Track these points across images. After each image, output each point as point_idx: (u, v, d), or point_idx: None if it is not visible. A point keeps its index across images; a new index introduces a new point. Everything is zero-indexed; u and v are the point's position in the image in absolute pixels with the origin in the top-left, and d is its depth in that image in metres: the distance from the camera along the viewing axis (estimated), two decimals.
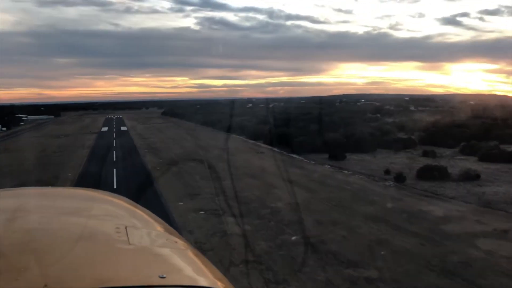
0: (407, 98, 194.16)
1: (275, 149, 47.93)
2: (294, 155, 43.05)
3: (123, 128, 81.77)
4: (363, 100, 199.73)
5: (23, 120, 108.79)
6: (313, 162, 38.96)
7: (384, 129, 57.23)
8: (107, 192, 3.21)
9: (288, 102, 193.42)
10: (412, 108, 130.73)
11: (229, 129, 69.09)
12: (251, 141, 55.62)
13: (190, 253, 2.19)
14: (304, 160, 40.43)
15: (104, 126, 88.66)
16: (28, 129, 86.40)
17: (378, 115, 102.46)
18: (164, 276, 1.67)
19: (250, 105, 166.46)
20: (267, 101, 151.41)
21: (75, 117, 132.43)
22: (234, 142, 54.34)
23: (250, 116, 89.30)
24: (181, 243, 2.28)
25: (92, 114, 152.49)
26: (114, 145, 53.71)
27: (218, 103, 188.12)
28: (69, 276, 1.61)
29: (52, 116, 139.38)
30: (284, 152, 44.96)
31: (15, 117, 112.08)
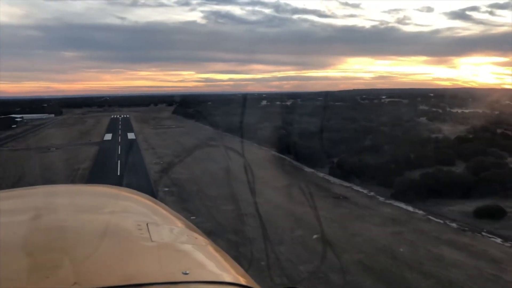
0: (431, 94, 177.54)
1: (359, 188, 31.11)
2: (401, 204, 26.29)
3: (130, 136, 65.04)
4: (384, 97, 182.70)
5: (16, 122, 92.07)
6: (457, 226, 22.17)
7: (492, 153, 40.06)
8: (126, 188, 3.18)
9: (307, 99, 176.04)
10: (449, 108, 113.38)
11: (263, 142, 52.60)
12: (309, 170, 38.76)
13: (211, 249, 2.16)
14: (432, 218, 23.61)
15: (107, 131, 71.88)
16: (16, 135, 69.61)
17: (424, 118, 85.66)
18: (187, 272, 1.65)
19: (265, 102, 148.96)
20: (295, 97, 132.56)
21: (77, 117, 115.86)
22: (284, 171, 37.85)
23: (278, 119, 71.89)
24: (201, 239, 2.26)
25: (97, 112, 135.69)
26: (119, 171, 37.13)
27: (229, 99, 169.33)
28: (97, 273, 1.59)
29: (53, 115, 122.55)
30: (380, 197, 28.22)
31: (8, 118, 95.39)
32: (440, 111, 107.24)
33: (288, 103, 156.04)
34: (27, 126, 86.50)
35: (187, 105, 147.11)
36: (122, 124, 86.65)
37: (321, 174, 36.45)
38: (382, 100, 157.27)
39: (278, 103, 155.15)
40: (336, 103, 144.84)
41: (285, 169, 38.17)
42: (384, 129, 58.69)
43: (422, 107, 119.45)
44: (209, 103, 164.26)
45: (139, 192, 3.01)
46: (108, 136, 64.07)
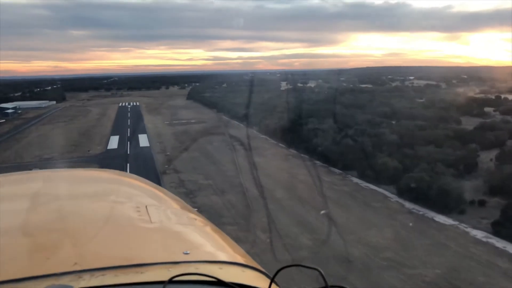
0: (465, 76, 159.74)
1: None
2: None
3: (142, 140, 48.82)
4: (412, 78, 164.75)
5: (7, 114, 75.84)
6: None
7: None
8: (124, 172, 3.11)
9: (329, 80, 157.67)
10: (499, 93, 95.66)
11: (336, 161, 36.48)
12: (445, 221, 22.69)
13: (210, 229, 2.15)
14: None
15: (113, 132, 55.58)
16: None
17: (492, 110, 69.14)
18: (188, 252, 1.65)
19: (285, 84, 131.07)
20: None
21: (80, 104, 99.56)
22: (405, 227, 21.83)
23: (326, 114, 53.49)
24: (200, 220, 2.23)
25: (104, 98, 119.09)
26: None
27: (242, 79, 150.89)
28: (98, 255, 1.58)
29: (54, 102, 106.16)
30: None
31: None
32: (493, 97, 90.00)
33: (312, 85, 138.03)
34: (18, 120, 70.45)
35: (203, 89, 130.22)
36: (132, 119, 70.27)
37: (478, 234, 20.33)
38: (416, 83, 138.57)
39: (300, 85, 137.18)
40: (367, 86, 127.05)
41: (401, 221, 22.16)
42: (487, 135, 41.82)
43: (472, 94, 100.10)
44: (224, 85, 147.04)
45: (137, 176, 2.95)
46: (114, 143, 47.74)
